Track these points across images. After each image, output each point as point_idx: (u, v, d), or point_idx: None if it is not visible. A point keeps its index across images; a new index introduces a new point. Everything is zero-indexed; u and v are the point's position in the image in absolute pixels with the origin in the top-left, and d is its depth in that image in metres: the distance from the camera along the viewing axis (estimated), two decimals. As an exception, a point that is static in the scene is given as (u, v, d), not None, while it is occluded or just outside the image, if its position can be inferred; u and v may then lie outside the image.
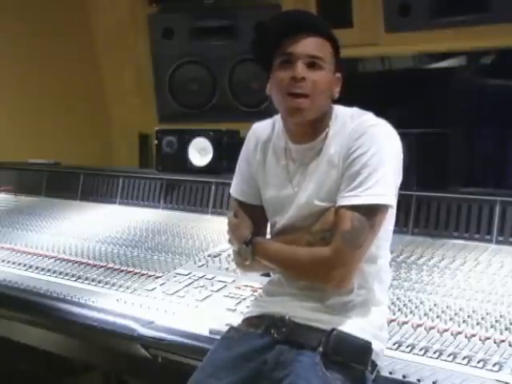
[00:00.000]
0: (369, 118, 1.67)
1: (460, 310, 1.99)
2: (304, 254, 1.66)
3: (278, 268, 1.75)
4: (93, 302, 2.36)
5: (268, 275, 1.89)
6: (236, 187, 1.88)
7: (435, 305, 2.03)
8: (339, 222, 1.61)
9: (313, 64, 1.63)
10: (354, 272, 1.63)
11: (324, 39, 1.66)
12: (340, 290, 1.65)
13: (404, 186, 1.76)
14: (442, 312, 1.99)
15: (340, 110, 1.73)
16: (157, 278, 2.52)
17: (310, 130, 1.70)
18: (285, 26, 1.66)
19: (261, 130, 1.84)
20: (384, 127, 1.66)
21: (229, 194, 3.08)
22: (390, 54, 3.82)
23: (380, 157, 1.60)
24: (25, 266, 2.77)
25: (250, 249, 1.74)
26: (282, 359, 1.63)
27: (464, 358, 1.75)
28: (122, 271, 2.61)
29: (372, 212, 1.60)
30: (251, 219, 1.82)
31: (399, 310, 2.03)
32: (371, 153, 1.60)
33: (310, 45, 1.64)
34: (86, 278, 2.58)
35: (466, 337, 1.85)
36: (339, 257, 1.60)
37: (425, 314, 1.99)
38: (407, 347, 1.84)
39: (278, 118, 1.81)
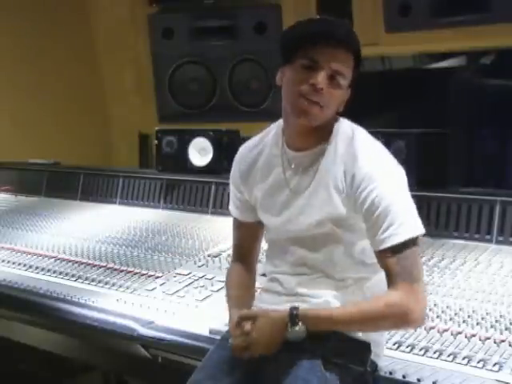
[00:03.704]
0: (371, 150, 1.65)
1: (460, 309, 1.99)
2: (376, 308, 1.57)
3: (349, 328, 1.64)
4: (93, 302, 2.36)
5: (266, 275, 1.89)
6: (231, 206, 1.94)
7: (435, 305, 2.03)
8: (390, 266, 1.57)
9: (333, 78, 1.62)
10: (426, 304, 1.63)
11: (350, 54, 1.64)
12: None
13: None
14: (442, 312, 1.99)
15: (342, 123, 1.72)
16: (157, 277, 2.52)
17: (310, 135, 1.69)
18: (319, 32, 1.63)
19: (246, 152, 1.85)
20: (386, 155, 1.66)
21: (229, 193, 3.11)
22: (390, 54, 3.83)
23: (399, 189, 1.60)
24: (25, 265, 2.77)
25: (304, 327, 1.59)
26: (280, 360, 1.63)
27: (464, 358, 1.75)
28: (122, 271, 2.61)
29: (413, 243, 1.57)
30: (246, 236, 1.90)
31: (399, 310, 2.02)
32: (390, 190, 1.58)
33: (336, 59, 1.61)
34: (86, 278, 2.58)
35: (466, 337, 1.85)
36: (410, 298, 1.55)
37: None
38: (407, 347, 1.83)
39: (273, 125, 1.82)
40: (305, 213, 1.69)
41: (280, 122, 1.79)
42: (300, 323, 1.58)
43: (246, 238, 1.92)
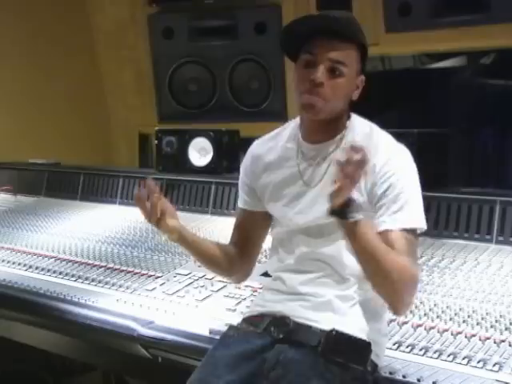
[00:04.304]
0: (392, 144, 1.70)
1: (460, 309, 1.99)
2: (404, 264, 1.58)
3: (369, 262, 1.58)
4: (93, 302, 2.36)
5: (268, 275, 1.89)
6: (239, 197, 1.94)
7: (435, 305, 2.03)
8: (399, 245, 1.60)
9: (335, 69, 1.64)
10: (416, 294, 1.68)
11: (352, 43, 1.66)
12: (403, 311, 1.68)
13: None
14: (442, 312, 1.99)
15: (357, 119, 1.75)
16: (157, 277, 2.52)
17: (324, 128, 1.72)
18: (314, 27, 1.65)
19: (260, 144, 1.88)
20: (405, 150, 1.70)
21: (229, 193, 3.11)
22: (389, 54, 3.83)
23: (414, 183, 1.66)
24: (25, 265, 2.77)
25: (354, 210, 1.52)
26: (281, 358, 1.63)
27: (464, 358, 1.75)
28: (122, 271, 2.61)
29: (414, 235, 1.64)
30: (246, 222, 1.90)
31: (399, 309, 2.02)
32: (406, 180, 1.64)
33: (334, 49, 1.63)
34: (86, 278, 2.58)
35: (465, 337, 1.85)
36: (417, 278, 1.61)
37: (425, 314, 1.99)
38: (407, 347, 1.84)
39: (289, 123, 1.84)
40: (318, 202, 1.70)
41: (297, 119, 1.82)
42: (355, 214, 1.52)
43: (246, 224, 1.91)
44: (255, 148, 1.89)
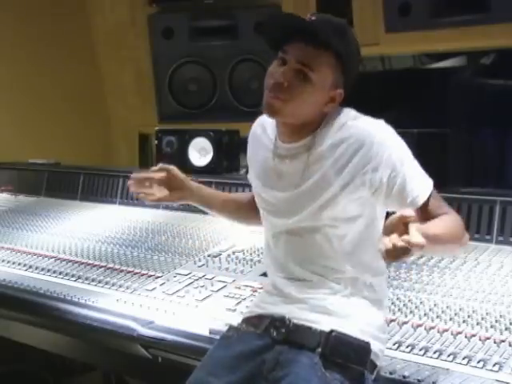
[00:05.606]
0: (364, 120, 1.66)
1: (460, 309, 1.99)
2: (458, 223, 1.68)
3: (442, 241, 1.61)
4: (93, 302, 2.36)
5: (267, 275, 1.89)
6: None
7: (435, 305, 2.03)
8: (429, 211, 1.66)
9: (301, 72, 1.61)
10: None
11: (326, 51, 1.61)
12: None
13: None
14: (442, 312, 1.99)
15: (337, 117, 1.68)
16: (157, 277, 2.51)
17: (292, 131, 1.69)
18: (286, 29, 1.64)
19: (259, 128, 1.88)
20: (384, 126, 1.66)
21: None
22: (390, 54, 3.83)
23: (406, 154, 1.65)
24: (25, 265, 2.77)
25: None
26: (281, 359, 1.63)
27: (464, 358, 1.75)
28: (122, 271, 2.61)
29: (433, 191, 1.69)
30: None
31: (399, 310, 2.03)
32: (400, 158, 1.62)
33: (306, 52, 1.60)
34: (86, 278, 2.58)
35: (465, 337, 1.85)
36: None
37: (425, 314, 1.99)
38: (407, 347, 1.83)
39: None
40: (295, 204, 1.69)
41: None
42: None
43: None
44: (256, 129, 1.88)
